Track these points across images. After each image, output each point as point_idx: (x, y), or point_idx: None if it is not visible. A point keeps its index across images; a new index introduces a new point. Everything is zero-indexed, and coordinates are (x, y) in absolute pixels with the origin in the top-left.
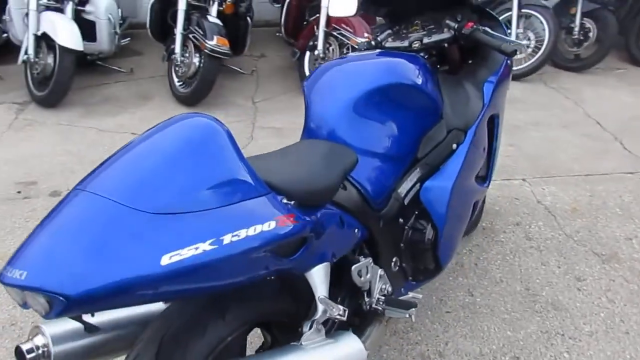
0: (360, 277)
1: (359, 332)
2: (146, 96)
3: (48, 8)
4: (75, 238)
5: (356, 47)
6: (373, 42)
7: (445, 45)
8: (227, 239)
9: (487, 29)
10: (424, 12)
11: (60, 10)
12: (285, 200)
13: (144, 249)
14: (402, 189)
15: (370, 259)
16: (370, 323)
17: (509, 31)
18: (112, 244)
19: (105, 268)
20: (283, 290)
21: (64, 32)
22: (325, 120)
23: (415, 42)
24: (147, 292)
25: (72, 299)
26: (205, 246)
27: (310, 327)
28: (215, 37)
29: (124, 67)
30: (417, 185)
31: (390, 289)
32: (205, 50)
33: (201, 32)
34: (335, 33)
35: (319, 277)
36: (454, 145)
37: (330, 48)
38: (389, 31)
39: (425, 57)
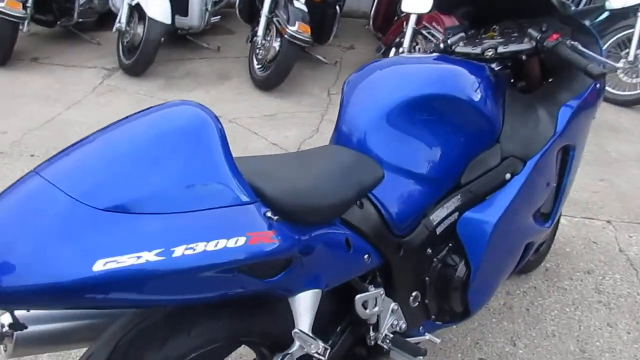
0: (366, 308)
1: None
2: (226, 76)
3: None
4: (15, 226)
5: None
6: (442, 45)
7: (524, 57)
8: (178, 251)
9: (576, 44)
10: (507, 16)
11: None
12: (269, 214)
13: (79, 250)
14: (435, 216)
15: (382, 290)
16: None
17: (625, 51)
18: (48, 240)
19: (34, 265)
20: (264, 311)
21: (155, 4)
22: (356, 126)
23: (489, 50)
24: (76, 297)
25: (4, 297)
26: (149, 256)
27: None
28: (297, 23)
29: (212, 45)
30: (455, 215)
31: (404, 326)
32: (285, 36)
33: (285, 17)
34: (424, 32)
35: (303, 305)
36: (508, 175)
37: (417, 47)
38: (462, 34)
39: (498, 68)
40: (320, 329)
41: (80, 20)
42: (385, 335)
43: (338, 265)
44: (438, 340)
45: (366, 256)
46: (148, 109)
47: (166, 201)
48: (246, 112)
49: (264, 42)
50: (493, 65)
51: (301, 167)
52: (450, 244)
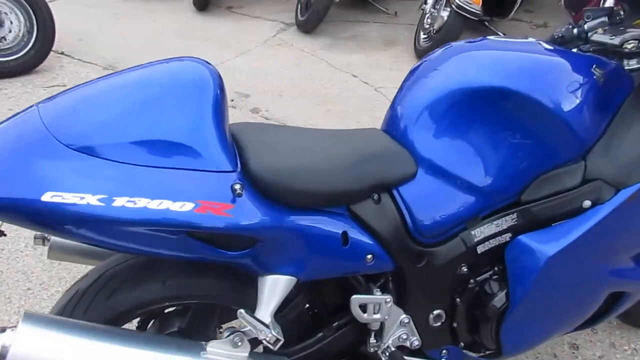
0: (364, 312)
1: None
2: (392, 42)
3: None
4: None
5: None
6: (575, 30)
7: None
8: (119, 201)
9: None
10: None
11: None
12: (238, 187)
13: (36, 178)
14: (478, 232)
15: (389, 297)
16: None
17: None
18: (16, 162)
19: (3, 183)
20: (242, 283)
21: None
22: (403, 113)
23: (631, 41)
24: (29, 220)
25: None
26: (91, 199)
27: (229, 336)
28: None
29: (390, 10)
30: (507, 236)
31: (416, 343)
32: (453, 5)
33: None
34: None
35: (268, 289)
36: (587, 203)
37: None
38: (604, 19)
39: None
40: (312, 317)
41: None
42: (388, 346)
43: (324, 258)
44: None
45: (369, 256)
46: (157, 61)
47: (131, 152)
48: (396, 82)
49: (432, 10)
50: (633, 62)
51: (316, 146)
52: (495, 268)
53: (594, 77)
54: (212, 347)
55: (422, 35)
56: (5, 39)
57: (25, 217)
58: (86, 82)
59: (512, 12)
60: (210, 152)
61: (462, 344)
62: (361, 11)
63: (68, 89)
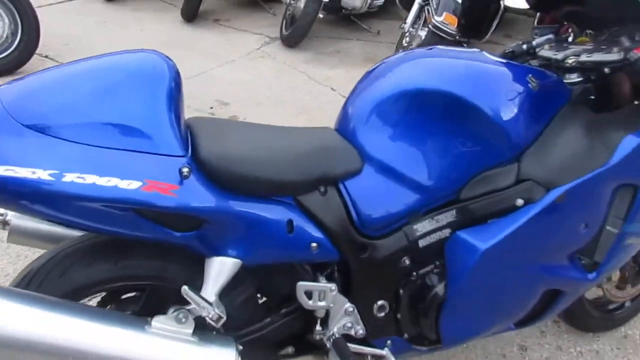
0: (310, 299)
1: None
2: (373, 59)
3: None
4: None
5: None
6: (525, 46)
7: (606, 70)
8: (69, 177)
9: None
10: (619, 20)
11: None
12: (185, 170)
13: None
14: (420, 227)
15: (333, 286)
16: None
17: None
18: None
19: None
20: (188, 263)
21: None
22: (352, 113)
23: (571, 57)
24: None
25: None
26: (42, 174)
27: (174, 312)
28: (444, 14)
29: (373, 28)
30: (447, 231)
31: (360, 332)
32: (429, 25)
33: (435, 5)
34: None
35: (214, 270)
36: (520, 201)
37: None
38: (551, 36)
39: (577, 80)
40: (261, 303)
41: None
42: (333, 334)
43: (270, 244)
44: (384, 353)
45: (314, 245)
46: (117, 52)
47: (84, 133)
48: None
49: (411, 29)
50: (573, 76)
51: (266, 139)
52: (437, 262)
53: (530, 86)
54: (157, 322)
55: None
56: None
57: None
58: (46, 68)
59: (488, 35)
60: (162, 137)
61: (406, 335)
62: (345, 28)
63: (28, 74)
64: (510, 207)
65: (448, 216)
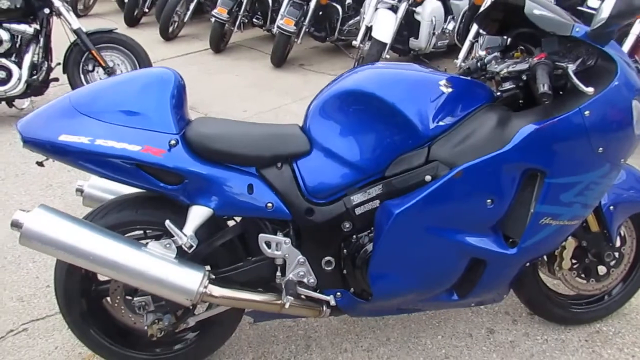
0: (269, 248)
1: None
2: None
3: None
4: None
5: None
6: (478, 63)
7: (524, 77)
8: (99, 141)
9: (570, 66)
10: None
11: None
12: (172, 142)
13: (56, 127)
14: (356, 198)
15: (288, 240)
16: (262, 292)
17: None
18: (50, 119)
19: (40, 128)
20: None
21: (379, 27)
22: (310, 109)
23: (504, 69)
24: (49, 152)
25: (24, 138)
26: (84, 139)
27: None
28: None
29: (441, 66)
30: (377, 202)
31: (312, 281)
32: None
33: (481, 42)
34: None
35: (192, 214)
36: (428, 177)
37: None
38: (497, 53)
39: (512, 87)
40: (236, 250)
41: (343, 38)
42: (290, 279)
43: (233, 200)
44: (329, 299)
45: (269, 204)
46: (140, 69)
47: (111, 116)
48: None
49: (462, 64)
50: (507, 84)
51: (243, 128)
52: (371, 228)
53: (441, 90)
54: (150, 245)
55: None
56: None
57: (46, 150)
58: (99, 81)
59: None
60: (161, 120)
61: (352, 289)
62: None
63: (90, 84)
64: (422, 182)
65: (376, 189)
